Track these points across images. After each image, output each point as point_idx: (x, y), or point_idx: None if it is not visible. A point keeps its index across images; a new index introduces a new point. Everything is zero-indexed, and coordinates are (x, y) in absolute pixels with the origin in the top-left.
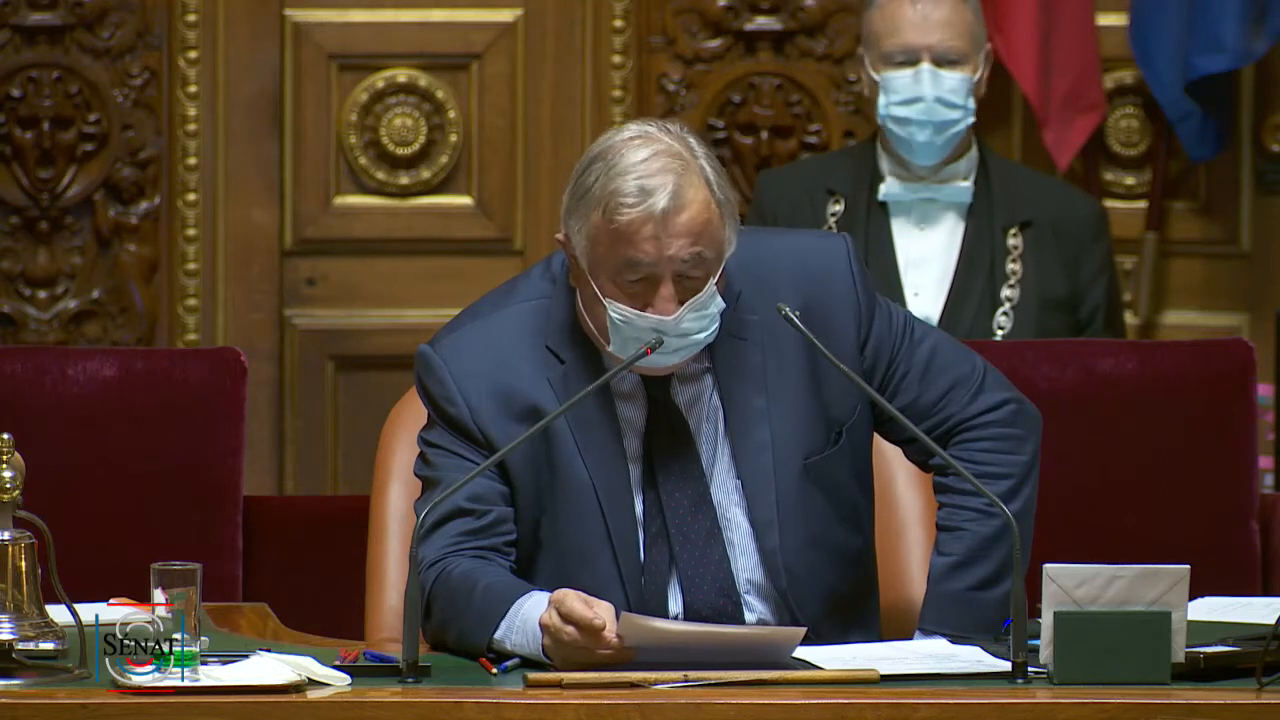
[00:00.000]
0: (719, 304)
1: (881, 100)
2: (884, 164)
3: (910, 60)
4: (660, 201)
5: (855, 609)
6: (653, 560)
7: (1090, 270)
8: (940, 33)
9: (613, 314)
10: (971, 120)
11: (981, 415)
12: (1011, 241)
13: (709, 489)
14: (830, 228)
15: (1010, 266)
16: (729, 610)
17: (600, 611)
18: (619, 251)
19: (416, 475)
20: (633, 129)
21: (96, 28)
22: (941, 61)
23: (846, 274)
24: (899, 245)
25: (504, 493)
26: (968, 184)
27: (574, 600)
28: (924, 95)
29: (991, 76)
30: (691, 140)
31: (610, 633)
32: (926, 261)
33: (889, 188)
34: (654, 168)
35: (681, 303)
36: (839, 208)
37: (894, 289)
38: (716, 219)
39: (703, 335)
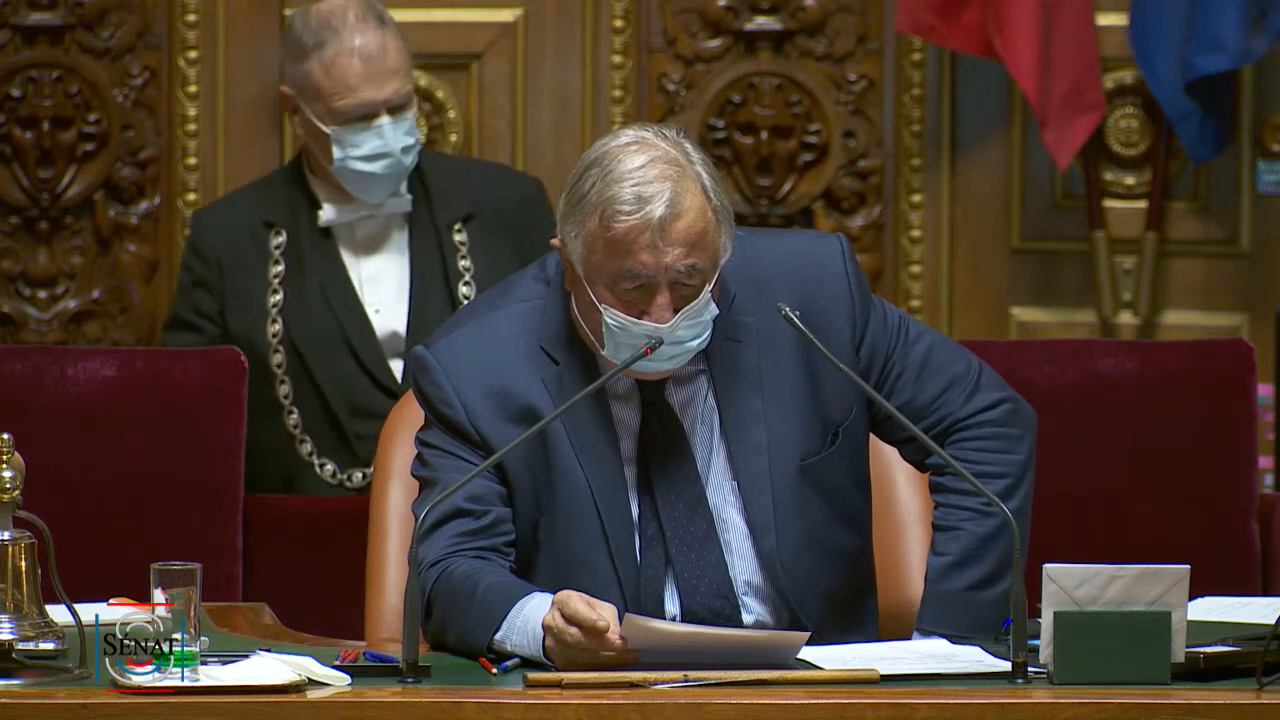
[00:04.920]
0: (713, 310)
1: (337, 152)
2: (318, 189)
3: (367, 115)
4: (657, 210)
5: (853, 610)
6: (649, 562)
7: (542, 243)
8: (392, 85)
9: (608, 320)
10: (420, 149)
11: (977, 415)
12: (458, 238)
13: (705, 491)
14: (277, 260)
15: (462, 264)
16: (726, 612)
17: (604, 613)
18: (615, 260)
19: (414, 476)
20: (629, 134)
21: (96, 28)
22: (396, 110)
23: (841, 274)
24: (350, 267)
25: (502, 493)
26: (406, 196)
27: (577, 601)
28: (389, 150)
29: (992, 76)
30: (688, 146)
31: (614, 634)
32: (381, 278)
33: (328, 214)
34: (651, 175)
35: (676, 310)
36: (281, 239)
37: (356, 310)
38: (712, 227)
39: (696, 342)
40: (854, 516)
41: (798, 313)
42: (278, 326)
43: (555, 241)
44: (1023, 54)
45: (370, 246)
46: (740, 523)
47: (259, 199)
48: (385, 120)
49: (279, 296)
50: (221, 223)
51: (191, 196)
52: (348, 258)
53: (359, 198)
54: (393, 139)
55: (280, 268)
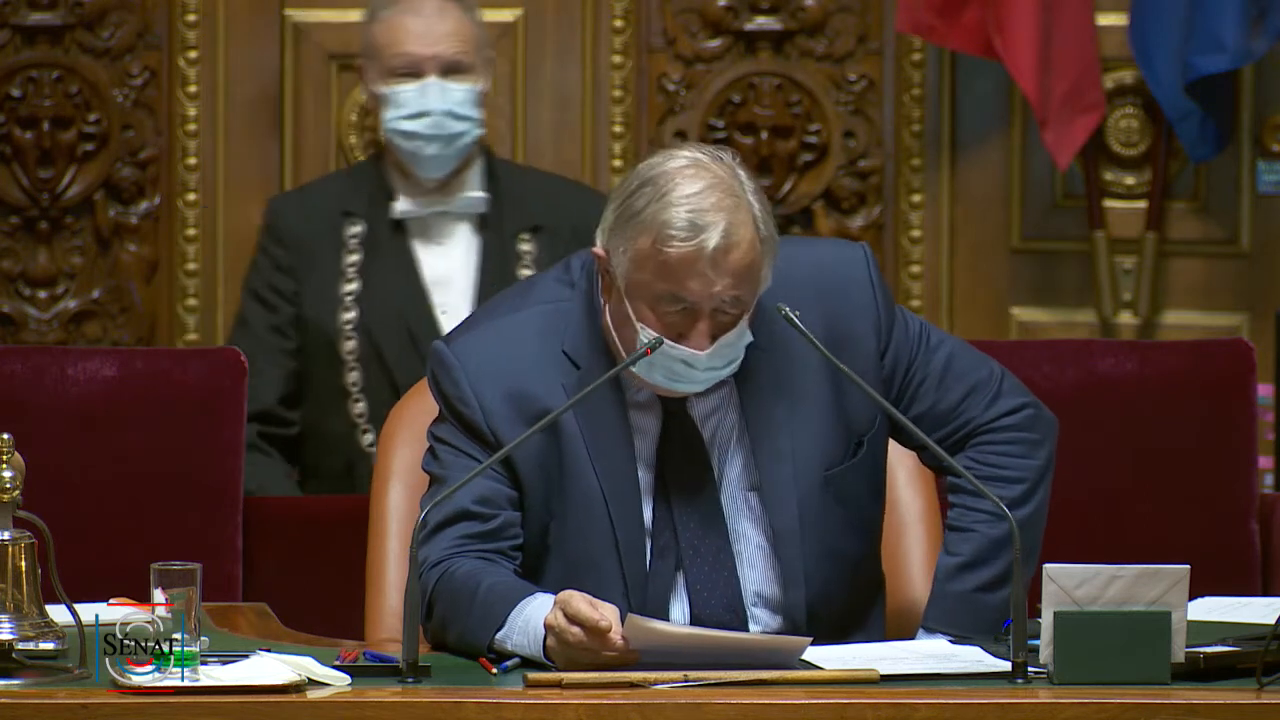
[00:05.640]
0: (747, 338)
1: (388, 114)
2: (394, 181)
3: (415, 73)
4: (712, 239)
5: (860, 615)
6: (659, 571)
7: None
8: (445, 44)
9: (643, 338)
10: (481, 131)
11: (998, 420)
12: (523, 248)
13: (720, 502)
14: (352, 250)
15: (523, 273)
16: (734, 625)
17: (606, 613)
18: (663, 283)
19: (424, 470)
20: (685, 157)
21: (96, 28)
22: (448, 73)
23: (866, 283)
24: (422, 265)
25: (512, 497)
26: (480, 194)
27: (580, 601)
28: (431, 109)
29: (992, 76)
30: (741, 174)
31: (616, 635)
32: (449, 278)
33: (402, 205)
34: (707, 203)
35: (714, 338)
36: (358, 228)
37: (424, 310)
38: (760, 260)
39: (727, 369)
40: (866, 524)
41: (798, 312)
42: (352, 314)
43: (598, 250)
44: (1023, 54)
45: (441, 244)
46: (755, 533)
47: (339, 189)
48: (432, 80)
49: (354, 285)
50: (301, 211)
51: (191, 196)
52: (420, 254)
53: (414, 170)
54: (437, 99)
55: (356, 256)
